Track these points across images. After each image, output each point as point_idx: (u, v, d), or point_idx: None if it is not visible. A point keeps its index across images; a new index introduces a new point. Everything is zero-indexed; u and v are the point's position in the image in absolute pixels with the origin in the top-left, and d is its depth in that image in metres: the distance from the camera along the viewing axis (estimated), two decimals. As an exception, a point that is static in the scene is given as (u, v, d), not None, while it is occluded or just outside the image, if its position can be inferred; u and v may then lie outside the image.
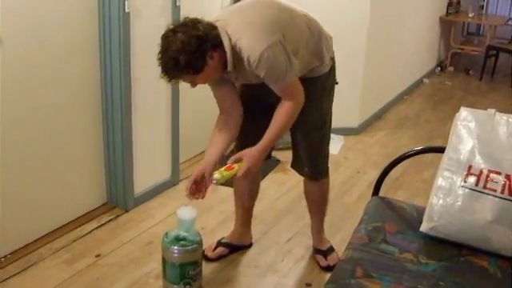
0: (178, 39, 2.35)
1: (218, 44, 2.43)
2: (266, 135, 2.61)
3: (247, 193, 3.23)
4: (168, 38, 2.39)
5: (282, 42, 2.46)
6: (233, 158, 2.60)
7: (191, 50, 2.34)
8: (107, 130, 3.50)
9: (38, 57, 3.00)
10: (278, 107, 2.60)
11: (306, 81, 2.63)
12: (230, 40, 2.45)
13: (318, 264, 3.21)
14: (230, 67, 2.48)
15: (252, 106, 2.81)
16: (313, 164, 3.02)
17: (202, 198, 2.66)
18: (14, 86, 2.89)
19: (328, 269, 3.12)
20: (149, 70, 3.54)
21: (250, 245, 3.37)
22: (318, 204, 3.22)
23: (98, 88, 3.41)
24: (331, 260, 3.17)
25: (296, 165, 3.08)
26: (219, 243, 3.28)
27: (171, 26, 2.43)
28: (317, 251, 3.28)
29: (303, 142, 2.94)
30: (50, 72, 3.08)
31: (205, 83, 2.59)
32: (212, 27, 2.46)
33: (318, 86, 2.81)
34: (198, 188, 2.65)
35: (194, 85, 2.50)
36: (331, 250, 3.26)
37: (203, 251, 3.09)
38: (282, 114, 2.59)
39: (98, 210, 3.62)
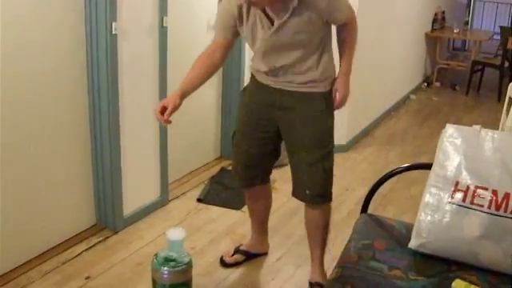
0: None
1: None
2: (346, 58, 2.87)
3: (260, 207, 3.30)
4: None
5: None
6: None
7: None
8: (96, 151, 3.49)
9: (23, 80, 3.00)
10: (340, 32, 2.86)
11: (313, 94, 2.80)
12: None
13: None
14: None
15: (256, 134, 2.97)
16: (314, 184, 2.89)
17: (165, 122, 2.66)
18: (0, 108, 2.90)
19: None
20: (137, 91, 3.57)
21: (266, 253, 3.44)
22: (319, 232, 3.06)
23: (85, 110, 3.41)
24: None
25: (296, 190, 2.97)
26: (237, 250, 3.37)
27: None
28: (315, 285, 3.11)
29: (305, 159, 2.86)
30: (36, 93, 3.08)
31: (258, 3, 2.55)
32: None
33: (325, 100, 2.84)
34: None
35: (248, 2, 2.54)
36: None
37: (221, 257, 3.35)
38: (350, 32, 2.85)
39: (87, 231, 3.60)
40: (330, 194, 2.98)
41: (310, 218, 3.04)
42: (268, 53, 2.74)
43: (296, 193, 2.98)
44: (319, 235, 3.06)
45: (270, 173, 3.18)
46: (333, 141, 2.93)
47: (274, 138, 2.97)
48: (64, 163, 3.36)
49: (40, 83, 3.09)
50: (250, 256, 3.38)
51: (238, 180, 3.17)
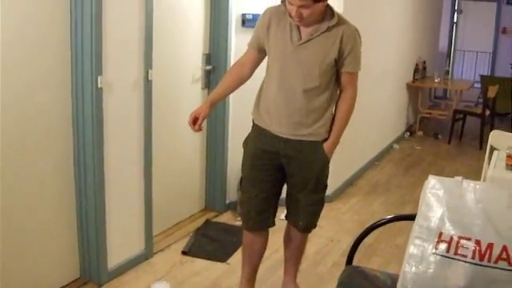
0: None
1: None
2: (336, 125, 3.06)
3: (259, 251, 3.34)
4: None
5: None
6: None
7: None
8: (80, 203, 3.48)
9: (9, 132, 3.00)
10: (340, 100, 3.07)
11: (316, 143, 3.04)
12: None
13: None
14: (334, 21, 2.89)
15: (266, 169, 3.13)
16: (310, 220, 3.25)
17: (197, 130, 3.08)
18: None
19: None
20: (122, 144, 3.58)
21: None
22: (299, 252, 3.42)
23: (70, 163, 3.42)
24: None
25: (291, 218, 3.28)
26: None
27: None
28: None
29: (308, 199, 3.16)
30: (22, 147, 3.09)
31: (306, 19, 2.83)
32: None
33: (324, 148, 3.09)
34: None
35: (299, 16, 2.81)
36: None
37: None
38: (347, 103, 3.08)
39: (70, 285, 3.56)
40: (316, 224, 3.32)
41: (294, 239, 3.35)
42: (286, 71, 2.96)
43: (290, 220, 3.31)
44: (298, 254, 3.43)
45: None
46: (327, 184, 3.23)
47: (279, 180, 3.19)
48: (48, 216, 3.34)
49: (25, 136, 3.10)
50: None
51: (252, 225, 3.25)
